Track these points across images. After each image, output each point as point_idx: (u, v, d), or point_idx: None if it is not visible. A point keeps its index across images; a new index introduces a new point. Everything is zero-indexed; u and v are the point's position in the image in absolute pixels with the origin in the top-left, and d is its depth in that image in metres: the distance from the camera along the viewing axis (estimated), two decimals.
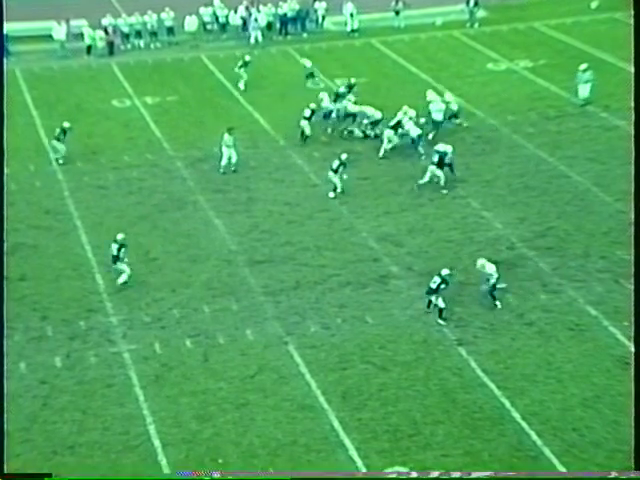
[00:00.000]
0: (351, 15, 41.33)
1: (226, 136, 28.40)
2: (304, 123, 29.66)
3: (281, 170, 28.74)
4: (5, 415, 15.93)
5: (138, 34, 40.61)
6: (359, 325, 21.05)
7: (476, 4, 42.04)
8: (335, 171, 26.41)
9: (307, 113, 29.75)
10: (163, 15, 40.69)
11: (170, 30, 40.84)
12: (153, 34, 40.70)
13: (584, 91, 32.76)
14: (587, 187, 27.00)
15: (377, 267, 23.36)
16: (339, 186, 26.50)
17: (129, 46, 40.32)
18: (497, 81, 34.14)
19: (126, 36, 40.40)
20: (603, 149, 29.09)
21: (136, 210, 26.50)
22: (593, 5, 43.10)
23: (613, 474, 16.28)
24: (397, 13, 42.52)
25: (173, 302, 22.09)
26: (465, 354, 19.97)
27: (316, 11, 42.37)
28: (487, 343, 20.32)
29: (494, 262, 23.04)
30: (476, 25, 41.92)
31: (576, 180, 27.42)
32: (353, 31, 41.24)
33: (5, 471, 15.46)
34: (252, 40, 40.34)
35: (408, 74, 36.28)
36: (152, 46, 40.51)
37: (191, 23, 40.70)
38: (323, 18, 42.44)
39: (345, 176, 26.46)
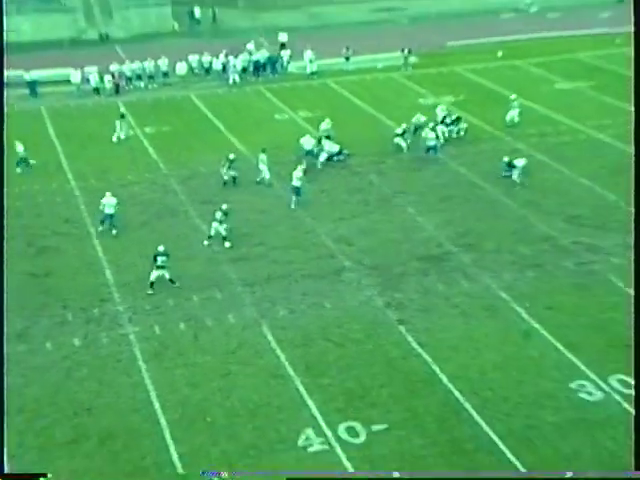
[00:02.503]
0: (310, 61, 41.17)
1: (262, 155, 28.22)
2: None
3: (255, 185, 28.53)
4: (5, 416, 14.64)
5: (139, 77, 40.23)
6: (319, 309, 20.97)
7: (409, 52, 42.07)
8: (220, 222, 23.98)
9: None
10: (159, 62, 40.42)
11: (165, 74, 40.55)
12: (151, 77, 40.33)
13: (513, 116, 33.02)
14: (497, 196, 27.08)
15: (333, 262, 23.27)
16: (224, 234, 23.96)
17: (131, 87, 39.87)
18: (426, 111, 34.17)
19: (129, 79, 39.99)
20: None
21: (138, 218, 26.20)
22: (499, 54, 43.52)
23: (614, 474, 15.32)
24: (347, 59, 42.45)
25: (169, 292, 21.84)
26: (404, 331, 19.97)
27: (282, 57, 42.20)
28: (421, 322, 20.33)
29: (426, 258, 23.20)
30: (410, 69, 41.98)
31: (489, 191, 27.51)
32: (312, 73, 41.06)
33: (5, 471, 14.23)
34: (231, 81, 40.11)
35: (356, 107, 36.25)
36: (150, 87, 40.10)
37: (181, 68, 40.44)
38: (288, 63, 42.25)
39: (226, 225, 24.02)
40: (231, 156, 28.65)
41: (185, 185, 28.54)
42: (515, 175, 27.83)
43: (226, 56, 40.99)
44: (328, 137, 30.74)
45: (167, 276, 21.85)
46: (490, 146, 30.94)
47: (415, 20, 52.11)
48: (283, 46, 43.67)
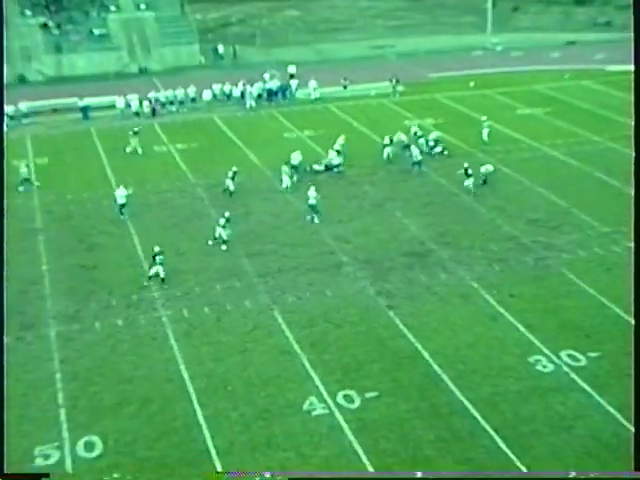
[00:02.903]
0: (314, 89, 41.05)
1: (284, 167, 28.06)
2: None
3: (267, 193, 28.44)
4: (5, 417, 13.20)
5: (171, 103, 40.03)
6: (321, 297, 20.90)
7: (397, 82, 41.86)
8: (223, 226, 23.55)
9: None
10: (188, 90, 40.17)
11: (193, 100, 40.23)
12: (181, 103, 40.08)
13: (485, 135, 32.92)
14: (471, 204, 26.95)
15: (333, 258, 23.19)
16: (225, 237, 23.50)
17: (165, 111, 39.75)
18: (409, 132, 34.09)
19: (163, 104, 39.85)
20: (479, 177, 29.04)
21: (170, 220, 26.13)
22: (471, 85, 43.36)
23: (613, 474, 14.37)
24: (345, 87, 42.32)
25: (196, 282, 21.82)
26: (392, 315, 19.90)
27: (291, 86, 42.09)
28: (407, 307, 20.26)
29: (411, 254, 23.09)
30: (397, 96, 41.81)
31: (464, 199, 27.39)
32: (316, 99, 40.95)
33: (5, 471, 12.96)
34: (248, 106, 39.87)
35: (352, 127, 36.13)
36: (180, 111, 39.95)
37: (206, 95, 40.20)
38: (296, 90, 42.11)
39: (229, 231, 23.67)
40: (234, 169, 28.43)
41: (209, 192, 28.47)
42: (470, 183, 27.74)
43: (244, 85, 40.84)
44: (338, 152, 30.53)
45: (162, 274, 21.57)
46: (465, 161, 30.79)
47: (402, 56, 51.96)
48: (292, 76, 43.53)
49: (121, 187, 26.26)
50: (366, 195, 28.09)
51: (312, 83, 41.28)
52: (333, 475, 14.70)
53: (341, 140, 31.48)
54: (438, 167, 30.23)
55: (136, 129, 33.57)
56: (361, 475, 14.83)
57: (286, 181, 28.19)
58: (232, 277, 22.08)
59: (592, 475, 13.81)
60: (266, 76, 42.00)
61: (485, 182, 28.19)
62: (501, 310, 19.99)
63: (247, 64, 50.07)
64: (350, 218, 26.06)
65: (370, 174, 30.06)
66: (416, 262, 22.73)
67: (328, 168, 30.04)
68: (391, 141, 31.21)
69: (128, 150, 32.77)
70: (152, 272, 21.78)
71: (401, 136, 31.94)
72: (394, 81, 41.87)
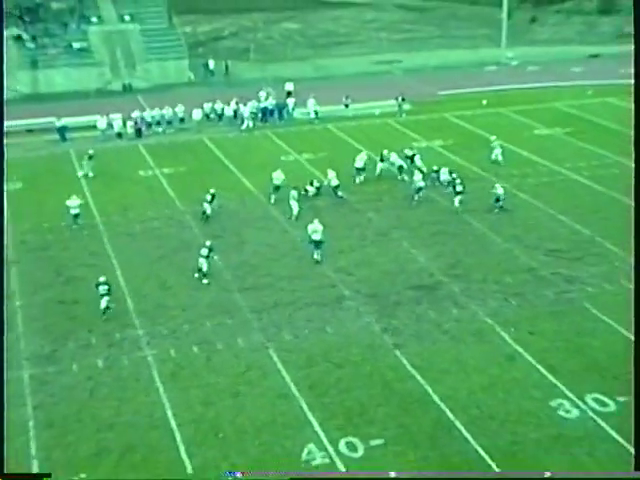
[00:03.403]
0: (313, 108, 41.51)
1: (293, 192, 28.39)
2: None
3: (263, 220, 28.73)
4: (5, 417, 14.54)
5: (158, 123, 40.48)
6: (321, 334, 21.03)
7: (403, 100, 42.43)
8: (206, 256, 23.71)
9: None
10: (176, 109, 40.70)
11: (181, 120, 40.76)
12: (169, 123, 40.62)
13: (497, 154, 33.37)
14: (484, 231, 27.23)
15: (334, 291, 23.36)
16: (206, 269, 23.73)
17: (151, 132, 40.21)
18: (419, 154, 34.49)
19: (149, 125, 40.31)
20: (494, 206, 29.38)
21: (156, 252, 26.35)
22: (484, 103, 43.94)
23: (613, 474, 15.22)
24: (347, 106, 42.86)
25: (184, 319, 21.96)
26: (399, 354, 20.00)
27: (288, 105, 42.60)
28: (415, 346, 20.37)
29: (419, 287, 23.29)
30: (403, 115, 42.36)
31: (476, 226, 27.68)
32: (315, 119, 41.35)
33: (5, 471, 13.82)
34: (244, 126, 40.14)
35: (354, 150, 36.50)
36: (167, 132, 40.40)
37: (196, 114, 40.70)
38: (293, 110, 42.67)
39: (216, 257, 24.33)
40: (212, 190, 28.80)
41: (199, 221, 28.73)
42: (456, 201, 28.52)
43: (237, 104, 41.44)
44: (359, 169, 31.78)
45: (104, 304, 21.83)
46: (477, 186, 31.13)
47: (409, 72, 52.68)
48: (289, 94, 44.08)
49: (73, 197, 27.84)
50: (370, 223, 28.36)
51: (311, 102, 41.85)
52: (333, 475, 15.79)
53: (363, 156, 32.30)
54: (447, 193, 30.52)
55: (91, 152, 34.01)
56: (361, 475, 15.81)
57: (295, 208, 28.38)
58: (223, 313, 22.22)
59: (592, 475, 14.79)
60: (261, 94, 42.61)
61: (502, 207, 28.47)
62: (519, 349, 20.10)
63: (240, 81, 50.81)
64: (352, 248, 26.27)
65: (374, 200, 30.38)
66: (425, 296, 22.87)
67: (318, 190, 30.39)
68: (381, 159, 32.25)
69: (80, 174, 33.17)
70: (103, 305, 21.95)
71: (391, 157, 32.41)
72: (400, 99, 42.46)
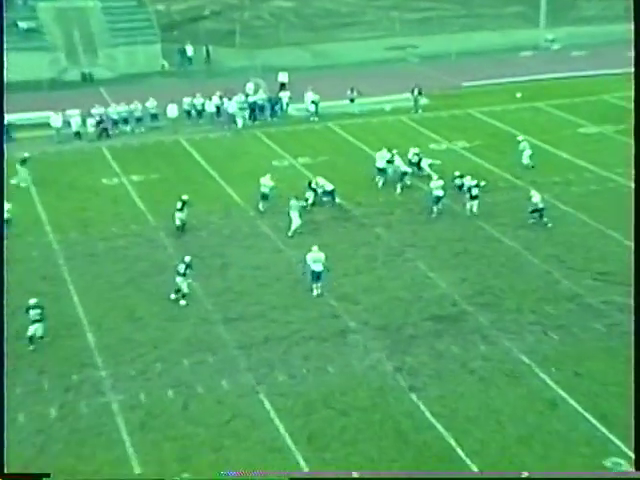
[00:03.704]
0: (313, 102, 41.75)
1: (293, 201, 28.60)
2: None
3: (251, 238, 28.82)
4: (5, 417, 15.61)
5: (125, 121, 40.69)
6: (322, 375, 21.01)
7: (420, 93, 42.72)
8: (183, 274, 24.36)
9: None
10: (147, 104, 40.86)
11: (154, 116, 40.99)
12: (139, 120, 40.78)
13: (526, 158, 33.55)
14: (518, 251, 27.30)
15: (337, 323, 23.38)
16: (185, 289, 24.37)
17: (117, 131, 40.38)
18: (439, 158, 34.61)
19: (115, 123, 40.46)
20: (531, 218, 29.47)
21: (123, 275, 26.37)
22: (518, 96, 44.13)
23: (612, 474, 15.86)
24: (352, 101, 43.15)
25: (156, 356, 21.92)
26: (415, 399, 19.96)
27: (281, 99, 42.84)
28: (435, 389, 20.34)
29: (439, 318, 23.29)
30: (420, 111, 42.62)
31: (508, 245, 27.75)
32: (314, 116, 41.58)
33: (5, 471, 15.02)
34: (240, 125, 40.32)
35: (361, 153, 36.72)
36: (137, 131, 40.62)
37: (172, 110, 40.85)
38: (287, 105, 42.91)
39: (190, 280, 24.65)
40: (184, 197, 29.10)
41: (175, 238, 28.78)
42: (471, 205, 29.21)
43: (220, 98, 41.67)
44: (385, 166, 32.52)
45: (40, 332, 21.94)
46: (509, 196, 31.25)
47: (427, 59, 53.07)
48: (283, 87, 44.43)
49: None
50: (379, 241, 28.44)
51: (309, 95, 42.12)
52: (333, 475, 16.88)
53: (385, 154, 32.74)
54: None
55: (26, 155, 34.08)
56: (361, 475, 16.84)
57: (295, 221, 28.52)
58: (204, 349, 22.19)
59: (592, 476, 15.49)
60: (249, 87, 42.88)
61: (542, 218, 28.59)
62: (563, 394, 20.07)
63: (224, 70, 51.19)
64: (358, 271, 26.31)
65: (384, 213, 30.50)
66: (446, 329, 22.87)
67: (316, 194, 30.79)
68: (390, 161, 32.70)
69: (13, 182, 33.19)
70: (30, 331, 21.93)
71: (396, 160, 32.78)
72: (416, 92, 42.74)
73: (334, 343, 22.37)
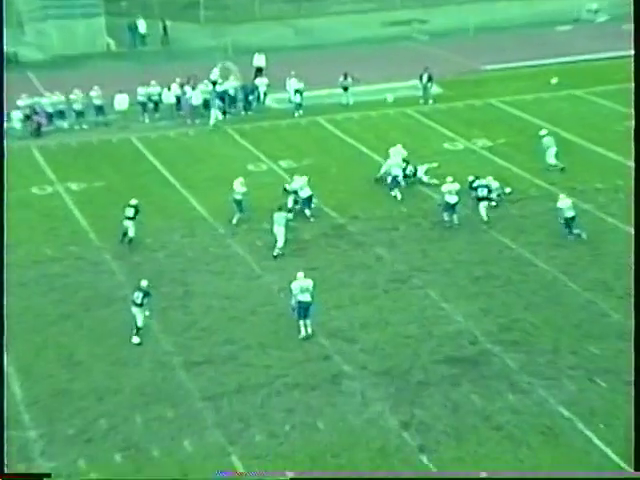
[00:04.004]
0: (296, 92, 41.86)
1: (277, 214, 28.81)
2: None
3: (221, 261, 28.81)
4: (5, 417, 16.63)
5: (61, 114, 40.63)
6: (309, 432, 20.93)
7: (430, 79, 42.87)
8: (140, 304, 24.55)
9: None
10: (92, 93, 40.81)
11: (99, 109, 40.96)
12: (79, 114, 40.76)
13: (552, 157, 33.76)
14: (554, 276, 27.38)
15: (328, 366, 23.34)
16: (140, 323, 24.55)
17: (51, 127, 40.33)
18: (454, 161, 34.76)
19: (49, 117, 40.38)
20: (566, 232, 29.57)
21: (58, 308, 26.25)
22: (553, 81, 44.28)
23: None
24: (345, 89, 43.18)
25: (100, 411, 21.77)
26: (427, 462, 19.91)
27: (257, 88, 42.89)
28: (451, 449, 20.28)
29: (456, 360, 23.28)
30: (430, 102, 42.80)
31: (542, 268, 27.81)
32: (297, 109, 41.62)
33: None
34: (212, 121, 40.41)
35: (358, 155, 36.79)
36: (77, 127, 40.62)
37: (121, 102, 40.90)
38: (265, 95, 43.00)
39: (147, 312, 24.72)
40: (133, 202, 29.44)
41: (125, 262, 28.76)
42: (482, 210, 29.71)
43: (181, 86, 41.75)
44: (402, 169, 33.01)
45: None
46: (542, 207, 31.32)
47: (438, 36, 53.34)
48: (259, 72, 44.61)
49: None
50: (381, 263, 28.51)
51: (292, 83, 42.26)
52: (333, 475, 18.39)
53: (399, 149, 33.16)
54: (496, 218, 30.66)
55: None
56: (361, 475, 18.30)
57: (281, 237, 28.65)
58: (161, 401, 22.09)
59: (592, 475, 16.76)
60: (216, 72, 42.97)
61: (570, 228, 28.83)
62: (613, 456, 19.98)
63: (186, 51, 51.36)
64: (355, 301, 26.34)
65: (386, 230, 30.62)
66: (465, 374, 22.85)
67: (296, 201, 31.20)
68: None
69: None
70: None
71: (392, 157, 33.17)
72: (425, 79, 42.92)
73: (325, 392, 22.30)
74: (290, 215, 29.63)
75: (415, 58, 47.46)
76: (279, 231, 28.60)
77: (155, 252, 29.16)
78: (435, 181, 32.79)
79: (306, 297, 24.47)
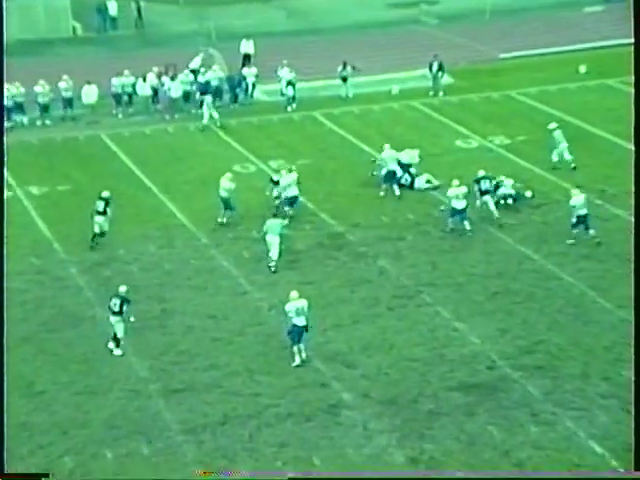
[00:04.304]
0: (288, 83, 41.87)
1: (270, 222, 28.92)
2: None
3: (203, 274, 28.84)
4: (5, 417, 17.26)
5: (20, 108, 40.62)
6: (304, 468, 20.84)
7: (440, 68, 42.92)
8: (119, 312, 24.89)
9: None
10: (60, 84, 40.85)
11: (67, 103, 41.02)
12: (43, 108, 40.76)
13: (565, 153, 34.01)
14: (582, 291, 27.41)
15: (325, 394, 23.31)
16: (121, 333, 25.00)
17: (10, 123, 40.26)
18: (468, 161, 34.77)
19: (8, 111, 40.31)
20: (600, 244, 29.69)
21: (17, 330, 26.07)
22: (581, 70, 44.36)
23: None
24: (344, 80, 43.25)
25: (65, 448, 21.71)
26: None
27: (245, 78, 42.93)
28: None
29: (470, 387, 23.28)
30: (440, 94, 42.90)
31: (568, 282, 27.85)
32: (290, 102, 41.66)
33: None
34: (205, 121, 40.45)
35: (358, 154, 36.81)
36: (39, 123, 40.63)
37: (89, 94, 41.01)
38: (254, 87, 43.03)
39: (132, 318, 25.19)
40: (105, 194, 29.89)
41: (94, 276, 28.79)
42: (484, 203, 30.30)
43: (158, 77, 41.80)
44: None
45: None
46: (567, 213, 31.34)
47: (449, 20, 53.49)
48: (247, 60, 44.67)
49: None
50: (384, 277, 28.57)
51: (284, 73, 42.36)
52: (334, 475, 19.53)
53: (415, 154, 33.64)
54: (516, 225, 30.70)
55: None
56: (361, 475, 19.37)
57: (275, 248, 28.67)
58: (136, 434, 22.04)
59: (592, 475, 17.65)
60: (197, 60, 43.00)
61: (587, 228, 29.19)
62: None
63: (164, 37, 51.40)
64: (355, 320, 26.35)
65: (391, 239, 30.72)
66: (481, 402, 22.82)
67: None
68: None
69: None
70: None
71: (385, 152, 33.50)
72: (435, 67, 43.00)
73: (321, 423, 22.27)
74: (286, 222, 29.59)
75: (423, 44, 47.65)
76: (274, 241, 28.63)
77: (128, 265, 29.14)
78: (435, 182, 32.88)
79: (302, 320, 24.44)
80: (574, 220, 29.42)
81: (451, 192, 30.47)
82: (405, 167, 33.72)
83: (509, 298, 27.17)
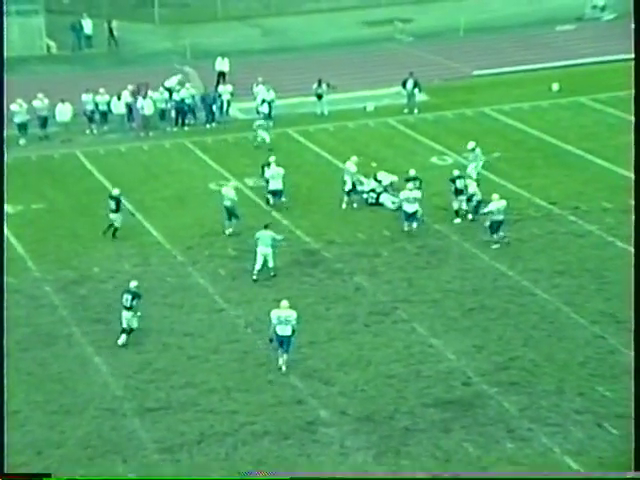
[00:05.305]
0: (263, 101, 41.79)
1: (262, 232, 28.91)
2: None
3: (179, 292, 28.74)
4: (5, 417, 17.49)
5: None
6: None
7: (415, 86, 42.94)
8: (129, 308, 25.70)
9: None
10: (35, 103, 40.70)
11: (42, 122, 40.85)
12: (20, 127, 40.38)
13: (471, 172, 34.12)
14: (557, 306, 27.42)
15: (302, 412, 23.25)
16: (135, 325, 25.90)
17: None
18: (443, 178, 34.77)
19: None
20: (574, 260, 29.70)
21: None
22: (554, 88, 44.54)
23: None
24: (319, 97, 43.30)
25: (39, 468, 21.46)
26: None
27: (219, 96, 42.93)
28: None
29: (446, 403, 23.27)
30: (415, 111, 42.90)
31: (543, 298, 27.87)
32: (265, 120, 41.60)
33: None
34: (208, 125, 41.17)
35: (334, 171, 36.80)
36: (15, 143, 40.35)
37: (63, 112, 40.92)
38: (229, 104, 43.04)
39: (139, 313, 25.94)
40: (115, 192, 30.64)
41: (69, 294, 28.63)
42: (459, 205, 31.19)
43: (133, 95, 41.72)
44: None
45: None
46: (542, 229, 31.45)
47: (424, 38, 53.61)
48: (222, 77, 44.65)
49: None
50: (361, 294, 28.55)
51: (260, 90, 42.29)
52: (334, 475, 19.89)
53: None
54: (492, 242, 30.74)
55: None
56: (361, 475, 19.82)
57: (270, 259, 28.82)
58: (111, 454, 21.92)
59: (592, 475, 17.83)
60: (173, 80, 42.96)
61: (504, 238, 29.07)
62: None
63: (138, 55, 51.31)
64: (331, 337, 26.34)
65: (367, 255, 30.72)
66: (457, 419, 22.81)
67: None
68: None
69: None
70: None
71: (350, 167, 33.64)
72: (410, 85, 43.04)
73: (298, 441, 22.21)
74: (280, 237, 29.53)
75: (398, 62, 47.72)
76: (266, 252, 28.66)
77: (103, 283, 29.01)
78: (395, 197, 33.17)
79: (285, 330, 24.43)
80: (487, 224, 30.19)
81: (402, 195, 31.41)
82: (381, 184, 33.90)
83: (484, 314, 27.19)
